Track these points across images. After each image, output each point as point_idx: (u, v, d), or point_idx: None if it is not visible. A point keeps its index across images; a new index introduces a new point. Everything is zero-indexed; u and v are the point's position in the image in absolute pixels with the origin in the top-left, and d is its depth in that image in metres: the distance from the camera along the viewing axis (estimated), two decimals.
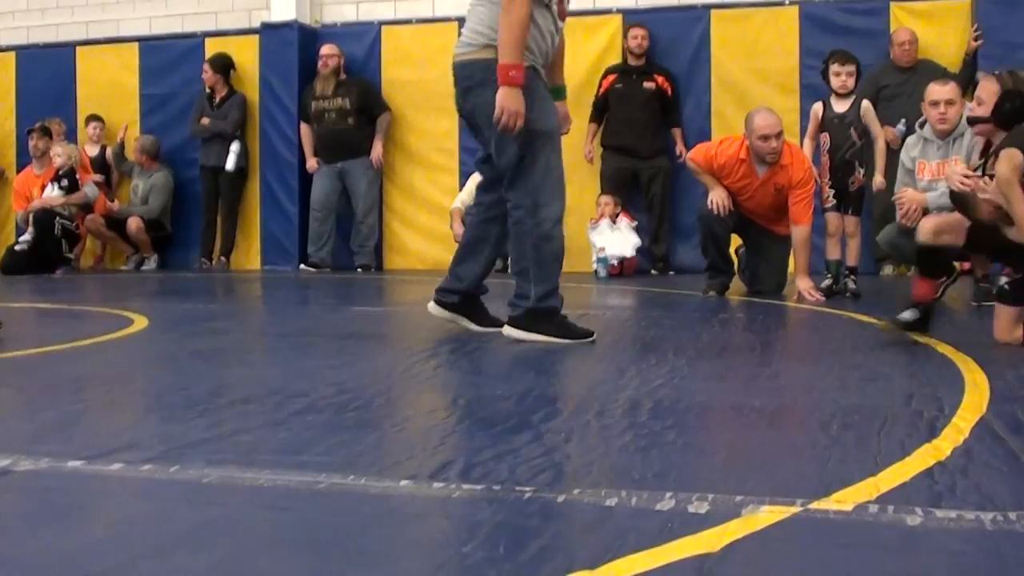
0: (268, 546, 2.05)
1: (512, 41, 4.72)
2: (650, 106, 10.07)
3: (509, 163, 4.92)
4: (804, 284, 7.24)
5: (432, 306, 5.31)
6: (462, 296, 5.27)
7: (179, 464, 2.59)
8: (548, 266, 4.96)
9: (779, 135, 7.15)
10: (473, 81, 4.95)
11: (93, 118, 11.99)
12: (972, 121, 5.05)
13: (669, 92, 10.16)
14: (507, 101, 4.72)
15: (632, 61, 10.19)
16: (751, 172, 7.28)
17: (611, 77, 10.17)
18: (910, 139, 6.87)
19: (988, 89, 4.80)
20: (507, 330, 5.00)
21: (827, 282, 7.42)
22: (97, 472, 2.56)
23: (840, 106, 7.48)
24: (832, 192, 7.47)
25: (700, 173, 7.51)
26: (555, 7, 4.96)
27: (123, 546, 2.06)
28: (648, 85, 10.10)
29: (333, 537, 2.06)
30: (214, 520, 2.19)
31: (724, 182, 7.37)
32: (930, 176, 6.61)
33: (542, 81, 5.03)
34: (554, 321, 4.95)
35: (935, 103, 6.56)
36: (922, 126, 6.74)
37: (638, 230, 9.88)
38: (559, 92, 5.35)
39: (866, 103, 7.51)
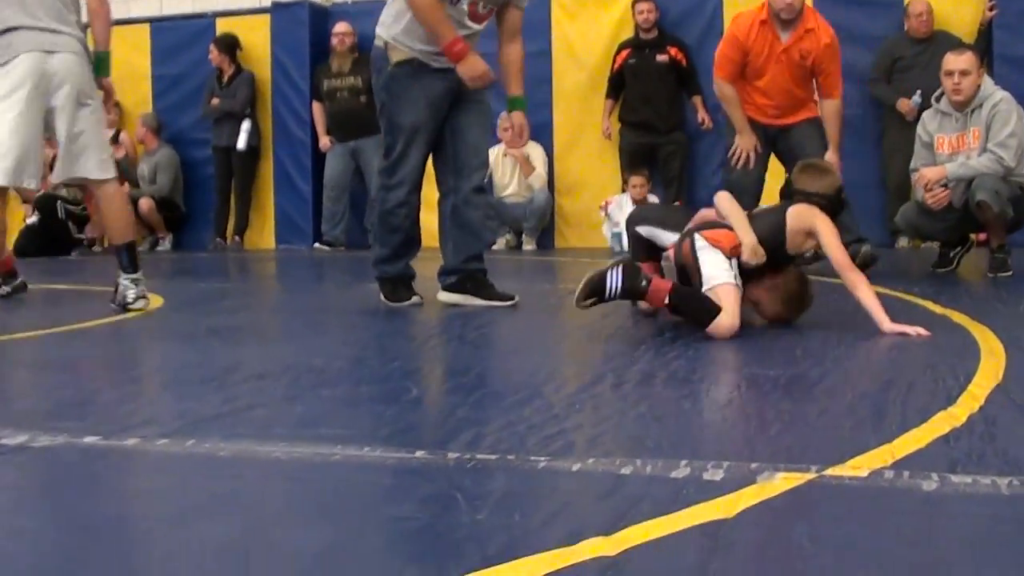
0: (284, 516, 2.05)
1: (432, 26, 5.10)
2: (666, 79, 10.02)
3: (385, 148, 5.37)
4: (835, 158, 6.83)
5: (440, 294, 5.55)
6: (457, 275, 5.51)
7: (195, 438, 2.60)
8: (385, 236, 5.43)
9: None
10: (374, 67, 5.42)
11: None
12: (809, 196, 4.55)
13: (684, 63, 10.10)
14: (468, 71, 5.14)
15: (643, 35, 10.15)
16: (775, 36, 6.76)
17: (624, 52, 10.13)
18: (927, 113, 6.79)
19: None
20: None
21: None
22: (113, 447, 2.57)
23: None
24: None
25: (730, 101, 6.96)
26: (465, 6, 5.19)
27: (140, 517, 2.07)
28: (661, 58, 10.04)
29: (349, 507, 2.07)
30: (230, 492, 2.20)
31: (751, 61, 6.81)
32: (950, 150, 6.55)
33: (427, 77, 5.25)
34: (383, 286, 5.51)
35: (950, 73, 6.50)
36: (938, 99, 6.68)
37: None
38: (516, 102, 5.55)
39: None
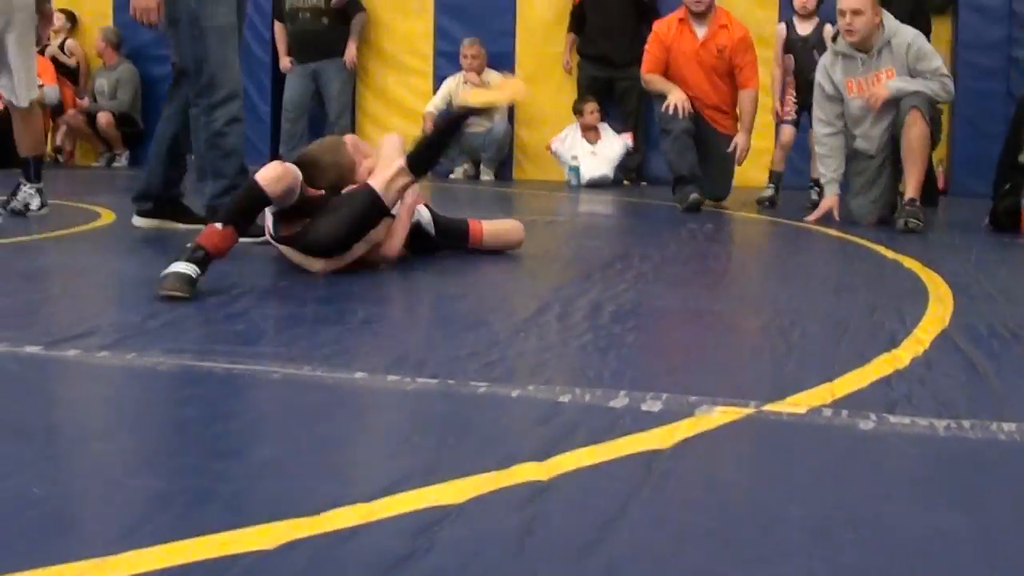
0: (216, 433, 2.03)
1: None
2: (626, 12, 9.90)
3: (187, 60, 4.81)
4: (744, 140, 7.34)
5: (135, 219, 5.29)
6: (157, 200, 5.30)
7: (135, 352, 2.57)
8: (221, 164, 4.87)
9: None
10: None
11: (61, 11, 11.80)
12: None
13: None
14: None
15: None
16: (691, 34, 7.26)
17: None
18: (826, 58, 6.45)
19: None
20: None
21: (769, 192, 7.51)
22: (54, 357, 2.54)
23: (803, 28, 7.42)
24: (796, 107, 7.47)
25: (655, 81, 7.37)
26: None
27: (72, 427, 2.05)
28: None
29: (286, 423, 2.05)
30: (164, 404, 2.18)
31: (672, 59, 7.29)
32: (860, 91, 6.25)
33: None
34: None
35: (842, 12, 6.14)
36: (835, 39, 6.36)
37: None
38: None
39: (828, 27, 7.25)
